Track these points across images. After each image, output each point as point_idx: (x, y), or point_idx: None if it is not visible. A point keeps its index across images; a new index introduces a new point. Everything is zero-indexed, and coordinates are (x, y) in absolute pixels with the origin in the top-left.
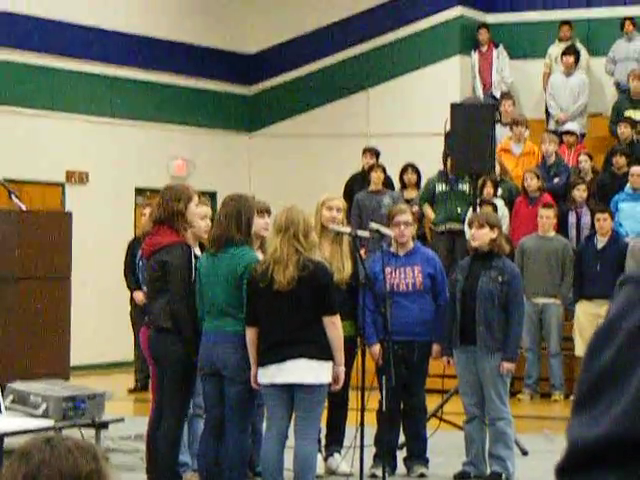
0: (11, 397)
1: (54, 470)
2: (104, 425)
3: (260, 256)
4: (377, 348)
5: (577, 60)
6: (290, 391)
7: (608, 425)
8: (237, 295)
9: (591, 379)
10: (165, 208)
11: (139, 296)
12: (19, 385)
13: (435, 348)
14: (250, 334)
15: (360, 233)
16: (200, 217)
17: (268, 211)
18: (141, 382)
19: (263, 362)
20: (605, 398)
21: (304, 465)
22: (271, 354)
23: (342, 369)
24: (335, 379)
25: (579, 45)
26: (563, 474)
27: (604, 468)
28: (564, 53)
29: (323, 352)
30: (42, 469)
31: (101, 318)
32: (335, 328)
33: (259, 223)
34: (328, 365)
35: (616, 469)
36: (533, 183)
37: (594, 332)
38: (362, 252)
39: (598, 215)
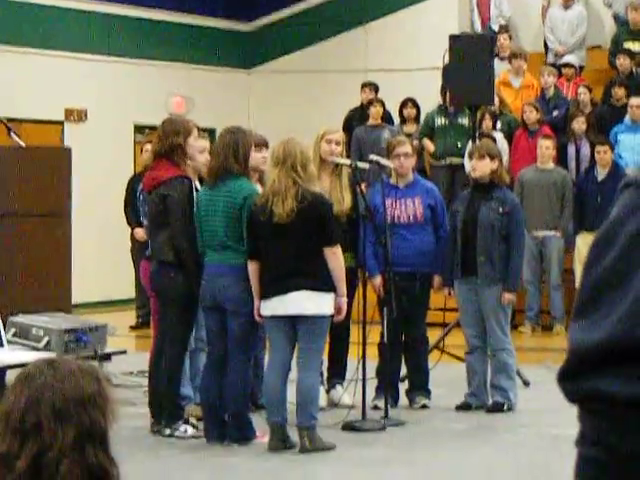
0: (13, 330)
1: (57, 392)
2: (107, 357)
3: (259, 189)
4: (378, 280)
5: None
6: (292, 323)
7: (608, 329)
8: (237, 228)
9: (592, 283)
10: (165, 142)
11: (139, 232)
12: (21, 318)
13: (436, 280)
14: (252, 267)
15: (360, 164)
16: (199, 151)
17: (266, 145)
18: (142, 319)
19: (265, 294)
20: (606, 302)
21: (307, 397)
22: (273, 286)
23: (344, 300)
24: (337, 310)
25: None
26: (565, 379)
27: (605, 371)
28: None
29: (325, 283)
30: (45, 391)
31: (101, 255)
32: (336, 259)
33: (257, 157)
34: (330, 296)
35: (616, 372)
36: (532, 116)
37: (595, 237)
38: (362, 185)
39: (598, 147)
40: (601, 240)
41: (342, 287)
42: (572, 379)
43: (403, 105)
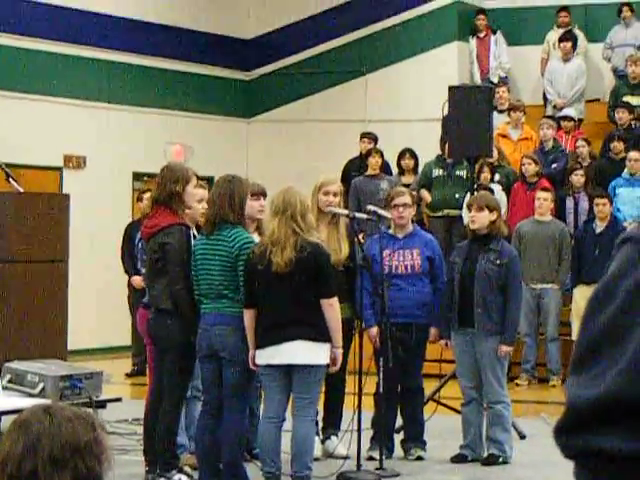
0: (8, 376)
1: (54, 439)
2: (102, 405)
3: (256, 238)
4: (375, 330)
5: (575, 46)
6: (287, 372)
7: (607, 385)
8: (233, 277)
9: (590, 338)
10: (163, 189)
11: (137, 280)
12: (16, 364)
13: (432, 331)
14: (248, 316)
15: (358, 215)
16: (197, 199)
17: (264, 194)
18: (138, 366)
19: (261, 344)
20: (604, 358)
21: (302, 446)
22: (269, 336)
23: (340, 351)
24: (333, 361)
25: (577, 31)
26: (562, 434)
27: (602, 428)
28: (561, 39)
29: (321, 334)
30: (42, 438)
31: (98, 302)
32: (333, 310)
33: (254, 206)
34: (326, 346)
35: (614, 429)
36: (531, 168)
37: (593, 291)
38: (360, 236)
39: (597, 200)
40: (599, 294)
41: (338, 338)
42: (569, 434)
43: (401, 156)
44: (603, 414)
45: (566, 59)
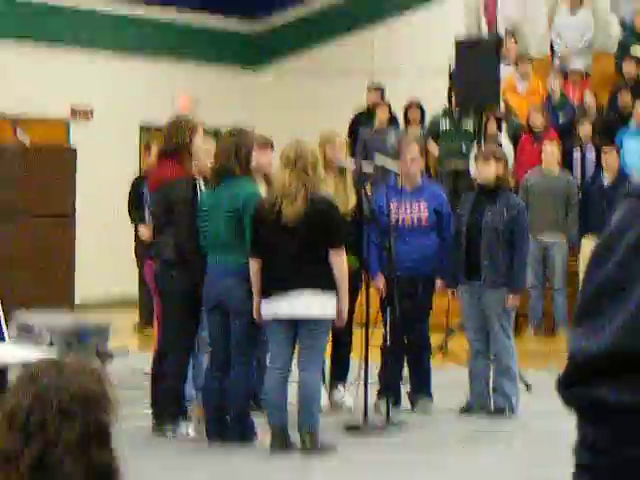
0: (16, 327)
1: (62, 392)
2: (109, 357)
3: (263, 190)
4: (381, 281)
5: None
6: (294, 324)
7: (608, 338)
8: (239, 228)
9: (592, 291)
10: (170, 142)
11: (144, 232)
12: (24, 316)
13: (438, 283)
14: (254, 265)
15: (365, 168)
16: (204, 151)
17: (271, 145)
18: (145, 318)
19: (267, 295)
20: (606, 310)
21: (308, 397)
22: (276, 287)
23: (345, 306)
24: (337, 315)
25: None
26: (565, 386)
27: (604, 380)
28: None
29: (328, 286)
30: (50, 391)
31: (105, 254)
32: (341, 262)
33: (261, 157)
34: (332, 298)
35: (616, 381)
36: (538, 120)
37: (595, 245)
38: (368, 188)
39: (605, 152)
40: (601, 249)
41: (344, 293)
42: (571, 386)
43: (408, 108)
44: (605, 366)
45: (573, 11)
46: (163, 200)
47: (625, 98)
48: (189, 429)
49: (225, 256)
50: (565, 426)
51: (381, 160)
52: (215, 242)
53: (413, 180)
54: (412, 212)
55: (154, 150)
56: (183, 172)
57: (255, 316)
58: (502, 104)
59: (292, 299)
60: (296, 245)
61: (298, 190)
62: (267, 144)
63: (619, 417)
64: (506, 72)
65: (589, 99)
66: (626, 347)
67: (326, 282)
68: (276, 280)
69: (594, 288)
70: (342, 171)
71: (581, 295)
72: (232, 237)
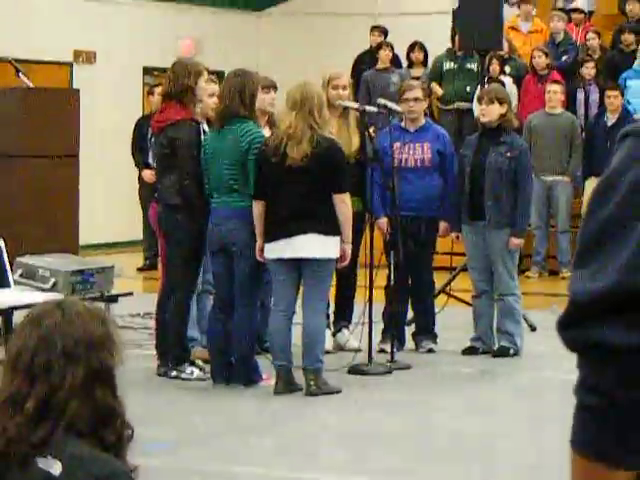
0: (20, 271)
1: (66, 334)
2: (113, 299)
3: (266, 132)
4: (384, 221)
5: None
6: (298, 266)
7: (609, 277)
8: (243, 171)
9: (593, 232)
10: (174, 84)
11: (148, 174)
12: (28, 259)
13: (442, 225)
14: (257, 207)
15: (368, 108)
16: (208, 94)
17: (274, 86)
18: (150, 260)
19: (271, 236)
20: (606, 251)
21: (313, 339)
22: (279, 228)
23: (349, 246)
24: (342, 256)
25: None
26: (565, 327)
27: (605, 320)
28: None
29: (331, 228)
30: (54, 333)
31: (109, 197)
32: (345, 206)
33: (265, 99)
34: (336, 240)
35: (617, 321)
36: (542, 61)
37: (595, 186)
38: (371, 130)
39: (608, 92)
40: (601, 189)
41: (348, 233)
42: (572, 328)
43: (410, 49)
44: (606, 307)
45: None
46: (167, 142)
47: (629, 38)
48: (194, 371)
49: (229, 199)
50: (571, 366)
51: (384, 100)
52: (219, 185)
53: (416, 121)
54: (415, 153)
55: (158, 92)
56: (187, 114)
57: (258, 257)
58: (505, 44)
59: (295, 241)
60: (300, 187)
61: (304, 132)
62: (270, 86)
63: (624, 358)
64: (509, 13)
65: (592, 39)
66: (630, 285)
67: (330, 224)
68: (280, 222)
69: (595, 228)
70: (345, 112)
71: (581, 235)
72: (236, 180)
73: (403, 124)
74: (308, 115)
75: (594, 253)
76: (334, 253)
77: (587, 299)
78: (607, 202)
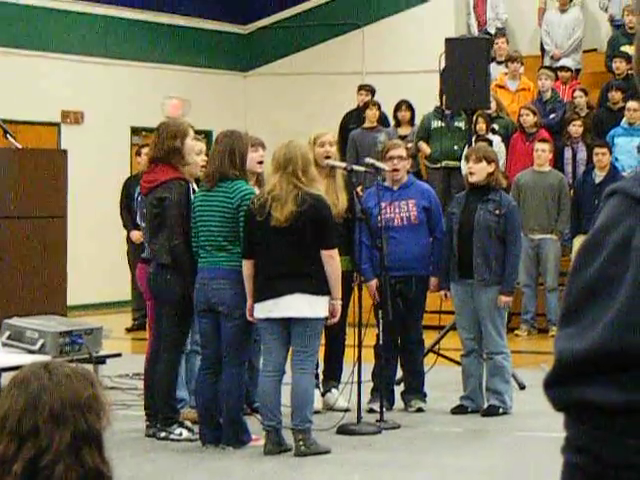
0: (7, 333)
1: (54, 396)
2: (102, 360)
3: (257, 191)
4: (374, 284)
5: None
6: (286, 325)
7: (595, 337)
8: (233, 229)
9: (578, 291)
10: (161, 145)
11: (136, 235)
12: (16, 321)
13: (432, 281)
14: (246, 267)
15: (355, 167)
16: (196, 152)
17: (262, 145)
18: (138, 321)
19: (260, 297)
20: (592, 310)
21: (302, 399)
22: (268, 288)
23: (339, 302)
24: (332, 313)
25: None
26: (552, 386)
27: (590, 380)
28: None
29: (320, 286)
30: (42, 395)
31: (97, 257)
32: (333, 262)
33: (253, 157)
34: (325, 299)
35: (602, 381)
36: (529, 119)
37: (581, 244)
38: (358, 189)
39: (597, 149)
40: (587, 247)
41: (337, 290)
42: (558, 387)
43: (397, 107)
44: (591, 366)
45: (563, 10)
46: (156, 202)
47: (616, 96)
48: (182, 432)
49: (216, 258)
50: (560, 425)
51: (371, 160)
52: (208, 244)
53: (399, 179)
54: (401, 211)
55: (145, 153)
56: (175, 174)
57: (248, 317)
58: (493, 103)
59: (283, 300)
60: (287, 246)
61: (288, 193)
62: (258, 144)
63: (607, 417)
64: (497, 71)
65: (580, 97)
66: (614, 345)
67: (318, 283)
68: (268, 281)
69: (580, 287)
70: (333, 171)
71: (566, 294)
72: (225, 237)
73: (387, 183)
74: (292, 175)
75: (579, 312)
76: (323, 312)
77: (572, 358)
78: (592, 261)
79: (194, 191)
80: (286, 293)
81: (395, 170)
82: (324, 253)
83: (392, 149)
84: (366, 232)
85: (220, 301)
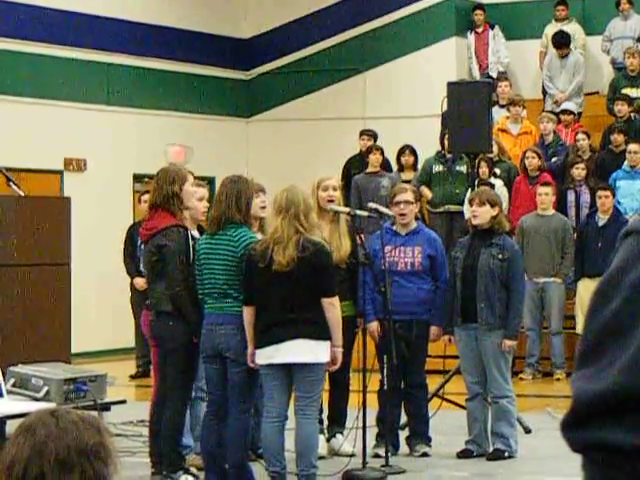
0: (12, 380)
1: (60, 443)
2: (106, 407)
3: (259, 237)
4: (374, 325)
5: (568, 43)
6: (288, 371)
7: (611, 379)
8: (238, 276)
9: (595, 332)
10: (160, 192)
11: (139, 282)
12: (20, 368)
13: (433, 330)
14: (247, 313)
15: (359, 212)
16: (197, 198)
17: (262, 190)
18: (143, 368)
19: (261, 343)
20: (609, 351)
21: (306, 445)
22: (269, 335)
23: (340, 350)
24: (333, 360)
25: (574, 24)
26: (569, 428)
27: (608, 422)
28: (554, 44)
29: (321, 332)
30: (48, 442)
31: (101, 304)
32: (334, 309)
33: (256, 202)
34: (326, 344)
35: (620, 422)
36: (534, 162)
37: (597, 285)
38: (361, 234)
39: (600, 193)
40: (603, 289)
41: (338, 337)
42: (576, 429)
43: (400, 152)
44: (609, 408)
45: (563, 53)
46: (155, 250)
47: (618, 138)
48: (188, 478)
49: (222, 304)
50: (566, 469)
51: (375, 205)
52: (212, 290)
53: (407, 224)
54: (406, 256)
55: (144, 200)
56: (175, 221)
57: (250, 363)
58: (495, 147)
59: (285, 346)
60: (288, 291)
61: (290, 236)
62: (259, 189)
63: (626, 458)
64: (499, 114)
65: (582, 140)
66: (631, 387)
67: (319, 328)
68: (269, 329)
69: (597, 328)
70: (337, 217)
71: (584, 335)
72: (230, 284)
73: (394, 227)
74: (294, 219)
75: (596, 353)
76: (324, 357)
77: (588, 400)
78: (609, 302)
79: (193, 238)
80: (287, 339)
81: (402, 215)
82: (324, 300)
83: (399, 194)
84: (370, 276)
85: (227, 347)
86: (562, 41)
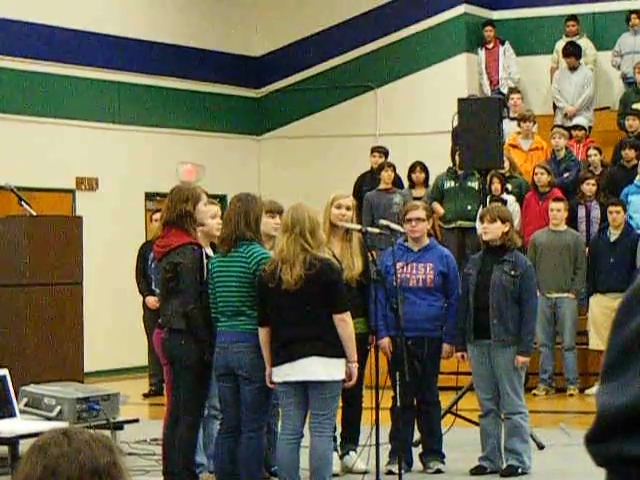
0: (25, 400)
1: (73, 462)
2: (119, 426)
3: (272, 254)
4: (386, 341)
5: (579, 54)
6: (304, 389)
7: (635, 393)
8: (250, 294)
9: (619, 346)
10: (173, 210)
11: (151, 300)
12: (33, 388)
13: (445, 348)
14: (262, 334)
15: (370, 230)
16: (210, 216)
17: (280, 211)
18: (155, 387)
19: (276, 361)
20: (633, 365)
21: (320, 462)
22: (283, 353)
23: (355, 365)
24: (348, 376)
25: (585, 40)
26: (593, 442)
27: (633, 435)
28: (565, 54)
29: (335, 349)
30: (61, 462)
31: (114, 323)
32: (346, 325)
33: (270, 222)
34: (341, 361)
35: None
36: (544, 178)
37: (622, 298)
38: (373, 251)
39: (611, 208)
40: (628, 303)
41: (352, 353)
42: (599, 442)
43: (412, 169)
44: (632, 422)
45: (573, 68)
46: (169, 267)
47: (629, 153)
48: None
49: (235, 322)
50: None
51: (386, 221)
52: (226, 308)
53: (420, 241)
54: (417, 273)
55: (155, 219)
56: (188, 239)
57: (268, 384)
58: (506, 162)
59: (299, 364)
60: (299, 310)
61: (296, 255)
62: (276, 210)
63: None
64: (510, 127)
65: (594, 155)
66: None
67: (332, 345)
68: (284, 347)
69: (621, 343)
70: (348, 234)
71: (607, 350)
72: (243, 302)
73: (407, 244)
74: (300, 237)
75: (620, 367)
76: (339, 375)
77: (612, 413)
78: (633, 316)
79: (207, 256)
80: (301, 357)
81: (414, 231)
82: (336, 317)
83: (411, 211)
84: (382, 293)
85: (239, 365)
86: (573, 51)
